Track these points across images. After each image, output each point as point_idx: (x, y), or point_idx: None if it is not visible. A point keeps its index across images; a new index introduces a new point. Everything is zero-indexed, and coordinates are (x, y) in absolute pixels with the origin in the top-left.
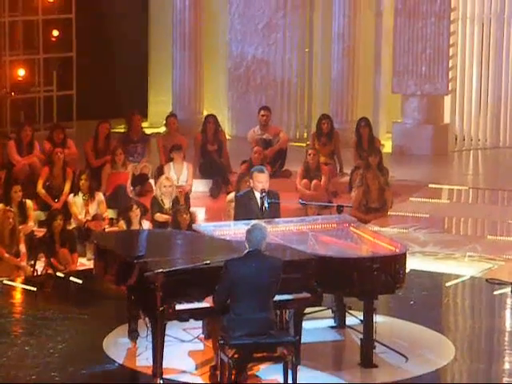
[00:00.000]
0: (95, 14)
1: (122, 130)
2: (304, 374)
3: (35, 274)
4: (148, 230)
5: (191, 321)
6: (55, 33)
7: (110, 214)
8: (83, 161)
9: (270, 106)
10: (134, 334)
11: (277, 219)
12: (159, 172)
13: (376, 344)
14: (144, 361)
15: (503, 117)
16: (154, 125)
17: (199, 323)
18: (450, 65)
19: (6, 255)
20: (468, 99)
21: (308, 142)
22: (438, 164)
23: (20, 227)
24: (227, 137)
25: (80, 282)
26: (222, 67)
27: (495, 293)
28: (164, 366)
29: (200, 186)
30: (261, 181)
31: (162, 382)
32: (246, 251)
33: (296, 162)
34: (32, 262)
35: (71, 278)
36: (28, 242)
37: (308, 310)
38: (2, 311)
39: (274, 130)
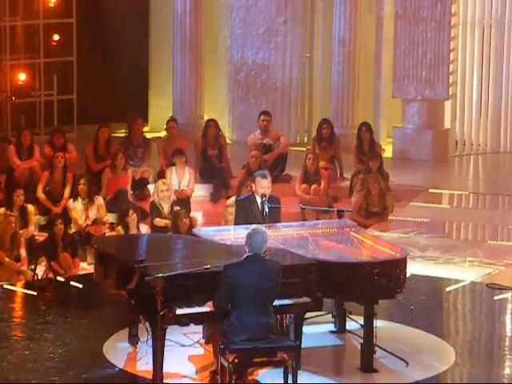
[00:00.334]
0: (96, 18)
1: (123, 135)
2: (304, 378)
3: (36, 278)
4: (148, 234)
5: (191, 325)
6: (56, 37)
7: (111, 218)
8: (83, 165)
9: (270, 110)
10: (134, 339)
11: (277, 224)
12: (159, 176)
13: (376, 349)
14: (144, 365)
15: (503, 122)
16: (154, 129)
17: (199, 328)
18: (451, 70)
19: (7, 259)
20: (468, 104)
21: (308, 147)
22: (439, 169)
23: (21, 232)
24: (228, 141)
25: (80, 286)
26: (223, 72)
27: (495, 298)
28: (164, 370)
29: (200, 191)
30: (263, 186)
31: None
32: (245, 255)
33: (296, 167)
34: (32, 267)
35: (71, 283)
36: (28, 246)
37: (308, 314)
38: (3, 315)
39: (274, 135)
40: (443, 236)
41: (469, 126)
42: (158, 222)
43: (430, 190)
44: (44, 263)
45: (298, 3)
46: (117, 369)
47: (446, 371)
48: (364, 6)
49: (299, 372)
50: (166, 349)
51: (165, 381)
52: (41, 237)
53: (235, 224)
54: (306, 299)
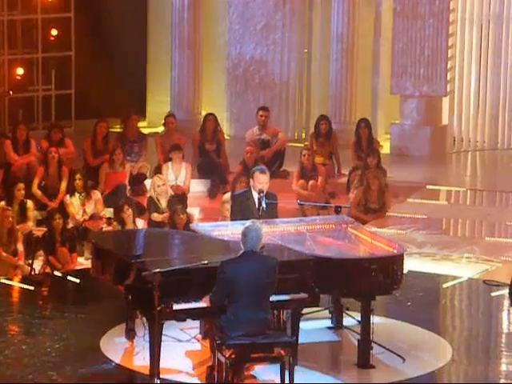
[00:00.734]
0: (94, 13)
1: (119, 130)
2: (301, 374)
3: (33, 273)
4: (146, 229)
5: (188, 321)
6: (54, 32)
7: (108, 213)
8: (81, 160)
9: (268, 106)
10: (131, 334)
11: (275, 219)
12: (157, 172)
13: (373, 345)
14: (141, 360)
15: (501, 118)
16: (152, 124)
17: (196, 323)
18: (449, 66)
19: (4, 254)
20: (466, 101)
21: (306, 143)
22: (436, 165)
23: (18, 226)
24: (226, 137)
25: (77, 281)
26: (221, 67)
27: (493, 294)
28: (161, 365)
29: (198, 186)
30: (261, 182)
31: (158, 381)
32: (241, 252)
33: (294, 163)
34: (30, 261)
35: (69, 278)
36: (26, 241)
37: (305, 310)
38: (0, 310)
39: (272, 131)
40: (440, 232)
41: (466, 122)
42: (156, 217)
43: (428, 187)
44: (41, 258)
45: None
46: (114, 364)
47: (443, 367)
48: (362, 2)
49: (296, 368)
50: (162, 344)
51: (161, 376)
52: (38, 232)
53: (231, 219)
54: (303, 295)
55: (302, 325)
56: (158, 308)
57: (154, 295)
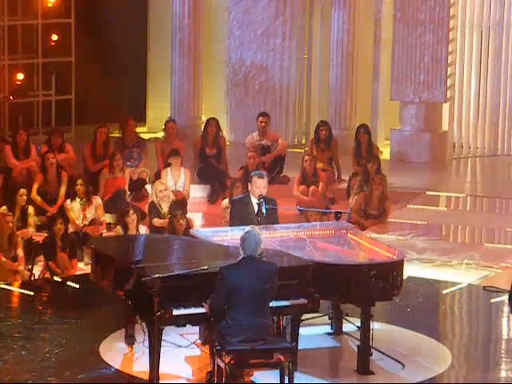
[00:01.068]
0: (94, 18)
1: (117, 136)
2: (301, 380)
3: (32, 278)
4: (145, 235)
5: (188, 326)
6: (54, 37)
7: (108, 218)
8: (81, 165)
9: (268, 112)
10: (130, 339)
11: (275, 225)
12: (157, 177)
13: (373, 351)
14: (141, 366)
15: (501, 125)
16: (152, 130)
17: (196, 329)
18: (449, 72)
19: (4, 259)
20: (466, 107)
21: (306, 149)
22: (436, 171)
23: (18, 232)
24: (226, 142)
25: (77, 286)
26: (221, 73)
27: (492, 300)
28: (160, 371)
29: (198, 192)
30: (259, 186)
31: None
32: (240, 257)
33: (294, 169)
34: (29, 267)
35: (68, 283)
36: (26, 246)
37: (305, 316)
38: None
39: (272, 136)
40: (440, 238)
41: (466, 128)
42: (156, 221)
43: (428, 193)
44: (41, 263)
45: (296, 5)
46: (113, 369)
47: (443, 374)
48: (362, 8)
49: (295, 374)
50: (162, 349)
51: (161, 381)
52: (38, 237)
53: (230, 225)
54: (302, 301)
55: (302, 331)
56: (158, 313)
57: (154, 300)
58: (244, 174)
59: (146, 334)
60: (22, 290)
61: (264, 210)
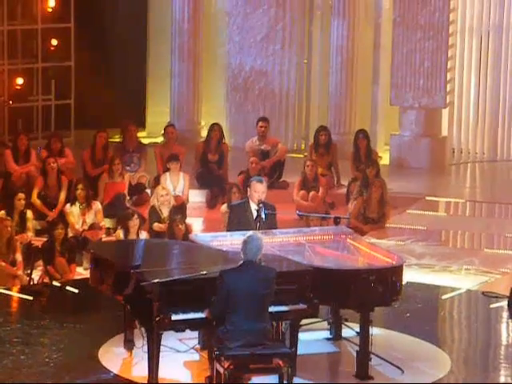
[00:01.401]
0: (94, 23)
1: (118, 140)
2: None
3: (31, 283)
4: (145, 239)
5: (187, 331)
6: (54, 42)
7: (107, 223)
8: (80, 170)
9: (268, 117)
10: (129, 344)
11: (274, 230)
12: (156, 182)
13: (372, 356)
14: (139, 371)
15: (501, 130)
16: (151, 134)
17: (195, 334)
18: (448, 78)
19: (2, 264)
20: (466, 112)
21: (306, 154)
22: (436, 177)
23: (17, 236)
24: None
25: (76, 291)
26: (221, 78)
27: (491, 306)
28: (159, 376)
29: (197, 197)
30: (258, 190)
31: None
32: (240, 262)
33: (294, 173)
34: (28, 271)
35: (67, 288)
36: (25, 251)
37: (304, 321)
38: None
39: (272, 141)
40: (440, 244)
41: (466, 133)
42: (156, 226)
43: (427, 198)
44: (40, 268)
45: (296, 10)
46: (112, 374)
47: (442, 379)
48: (362, 14)
49: (294, 379)
50: (161, 354)
51: None
52: (37, 242)
53: (228, 230)
54: (302, 306)
55: (301, 336)
56: (157, 318)
57: (153, 305)
58: (245, 179)
59: (145, 338)
60: (21, 295)
61: (263, 216)
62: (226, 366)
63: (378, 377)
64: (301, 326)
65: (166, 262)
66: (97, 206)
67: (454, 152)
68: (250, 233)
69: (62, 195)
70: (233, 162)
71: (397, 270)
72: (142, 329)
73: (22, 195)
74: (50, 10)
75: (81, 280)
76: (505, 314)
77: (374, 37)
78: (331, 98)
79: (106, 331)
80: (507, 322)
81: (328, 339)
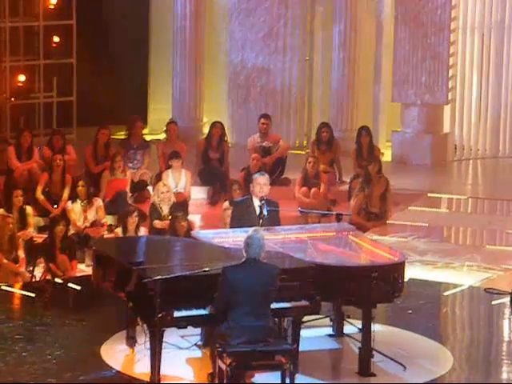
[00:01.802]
0: (96, 20)
1: (123, 137)
2: (302, 382)
3: (33, 279)
4: (147, 236)
5: (189, 328)
6: (56, 39)
7: (109, 220)
8: (83, 167)
9: (270, 114)
10: (131, 341)
11: (276, 227)
12: (158, 179)
13: (374, 353)
14: (142, 368)
15: (503, 126)
16: (153, 132)
17: (197, 330)
18: (450, 74)
19: (5, 261)
20: (468, 109)
21: (308, 150)
22: (438, 173)
23: (19, 233)
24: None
25: (78, 288)
26: (223, 75)
27: (494, 302)
28: (162, 373)
29: (199, 193)
30: (259, 182)
31: None
32: (243, 259)
33: (296, 170)
34: (31, 268)
35: (69, 284)
36: (27, 247)
37: (306, 318)
38: (0, 317)
39: (273, 138)
40: (442, 240)
41: (468, 130)
42: (157, 223)
43: (429, 195)
44: (42, 265)
45: (297, 7)
46: (114, 371)
47: (444, 376)
48: (364, 10)
49: (297, 375)
50: (163, 351)
51: (162, 383)
52: (39, 238)
53: (230, 226)
54: (304, 302)
55: (303, 332)
56: (159, 315)
57: (155, 302)
58: (246, 176)
59: (148, 335)
60: (23, 292)
61: (265, 212)
62: (228, 363)
63: (381, 373)
64: (303, 322)
65: (168, 258)
66: (98, 202)
67: (455, 149)
68: (251, 232)
69: (66, 192)
70: (234, 159)
71: (399, 267)
72: (145, 326)
73: (19, 192)
74: (52, 6)
75: (83, 277)
76: (507, 311)
77: (375, 34)
78: (333, 94)
79: (108, 328)
80: (509, 319)
81: (330, 336)
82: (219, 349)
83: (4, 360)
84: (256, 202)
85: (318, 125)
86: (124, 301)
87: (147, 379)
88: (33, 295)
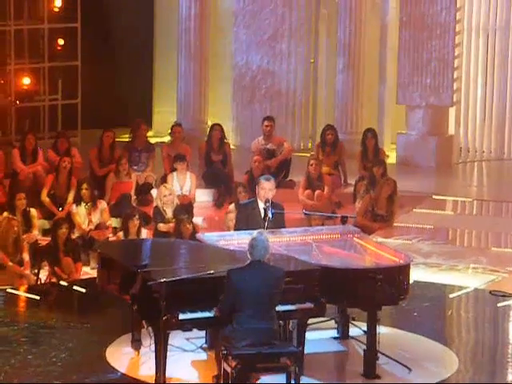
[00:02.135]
0: (100, 22)
1: (127, 139)
2: None
3: (38, 282)
4: (152, 239)
5: (194, 330)
6: (61, 41)
7: (114, 222)
8: (87, 170)
9: (274, 116)
10: (137, 344)
11: (281, 229)
12: (163, 181)
13: (379, 355)
14: (147, 370)
15: (508, 128)
16: (158, 134)
17: (202, 333)
18: (455, 76)
19: (10, 263)
20: (473, 111)
21: (312, 153)
22: (443, 175)
23: (24, 236)
24: (231, 147)
25: (83, 290)
26: (227, 77)
27: (499, 305)
28: (167, 375)
29: (204, 196)
30: (264, 187)
31: None
32: (248, 261)
33: (300, 173)
34: (35, 271)
35: (74, 287)
36: (32, 250)
37: (311, 320)
38: (5, 319)
39: (278, 141)
40: (447, 242)
41: (473, 132)
42: (162, 227)
43: (434, 197)
44: (47, 267)
45: (302, 9)
46: (119, 373)
47: (449, 378)
48: (368, 13)
49: (302, 378)
50: (168, 354)
51: None
52: (44, 241)
53: (236, 229)
54: (309, 305)
55: (308, 335)
56: (164, 318)
57: (160, 305)
58: (249, 179)
59: (153, 338)
60: (28, 295)
61: (270, 215)
62: (233, 366)
63: (386, 376)
64: (308, 325)
65: (173, 261)
66: (102, 205)
67: (461, 150)
68: (256, 234)
69: (71, 195)
70: (239, 162)
71: (404, 269)
72: (150, 328)
73: (22, 195)
74: (57, 9)
75: (88, 279)
76: None
77: (380, 36)
78: (338, 97)
79: (113, 331)
80: None
81: (335, 338)
82: (224, 351)
83: (9, 363)
84: (261, 205)
85: (322, 127)
86: (129, 303)
87: (152, 382)
88: (38, 298)
